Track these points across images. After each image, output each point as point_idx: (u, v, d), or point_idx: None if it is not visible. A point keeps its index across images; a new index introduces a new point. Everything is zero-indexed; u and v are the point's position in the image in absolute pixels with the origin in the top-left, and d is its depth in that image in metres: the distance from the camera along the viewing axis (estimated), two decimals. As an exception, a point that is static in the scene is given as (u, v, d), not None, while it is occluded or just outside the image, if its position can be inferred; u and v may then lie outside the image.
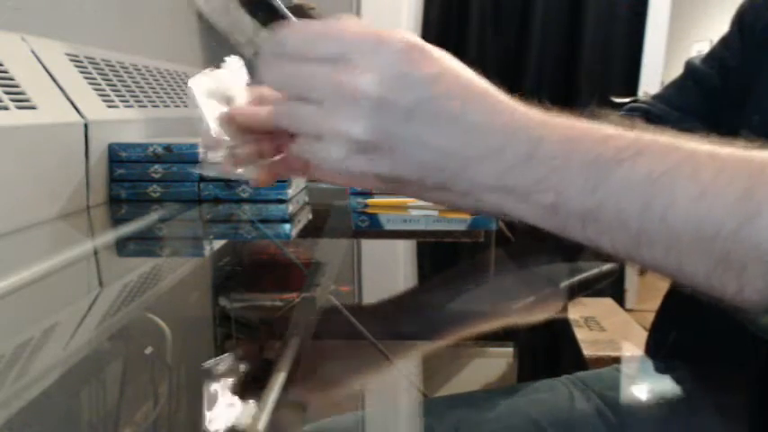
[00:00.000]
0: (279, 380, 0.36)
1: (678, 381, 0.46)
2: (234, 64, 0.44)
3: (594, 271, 0.59)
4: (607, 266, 0.63)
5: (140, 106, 1.04)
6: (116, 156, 0.87)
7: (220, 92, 0.43)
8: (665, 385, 0.46)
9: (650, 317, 0.54)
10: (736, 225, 0.29)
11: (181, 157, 0.88)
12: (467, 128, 0.36)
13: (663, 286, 0.59)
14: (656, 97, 0.72)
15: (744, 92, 0.64)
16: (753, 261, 0.29)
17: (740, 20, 0.67)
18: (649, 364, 0.47)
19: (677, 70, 0.74)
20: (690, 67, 0.71)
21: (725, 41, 0.68)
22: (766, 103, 0.60)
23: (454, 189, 0.37)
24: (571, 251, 0.72)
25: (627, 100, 0.75)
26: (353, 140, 0.36)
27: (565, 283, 0.55)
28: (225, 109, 0.42)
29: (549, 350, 0.47)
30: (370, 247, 0.74)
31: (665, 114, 0.69)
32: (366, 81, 0.35)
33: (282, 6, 0.40)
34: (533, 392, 0.43)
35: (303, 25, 0.39)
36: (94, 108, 0.88)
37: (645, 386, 0.45)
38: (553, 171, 0.34)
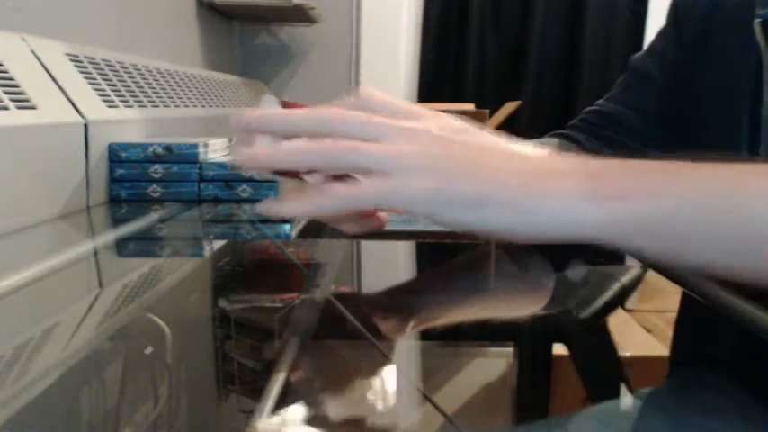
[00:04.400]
0: (279, 380, 0.36)
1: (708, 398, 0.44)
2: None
3: (618, 284, 0.58)
4: (630, 274, 0.62)
5: (140, 106, 1.04)
6: (116, 156, 0.87)
7: None
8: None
9: (650, 317, 0.54)
10: None
11: (181, 157, 0.88)
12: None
13: (663, 287, 0.59)
14: (609, 98, 0.73)
15: (683, 84, 0.65)
16: None
17: (675, 12, 0.67)
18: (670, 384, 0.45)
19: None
20: (632, 63, 0.72)
21: (662, 35, 0.69)
22: (712, 96, 0.60)
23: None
24: (568, 254, 0.72)
25: None
26: (420, 159, 0.35)
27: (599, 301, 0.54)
28: None
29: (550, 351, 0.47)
30: (370, 247, 0.74)
31: (617, 113, 0.70)
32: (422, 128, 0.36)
33: None
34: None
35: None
36: (94, 108, 0.88)
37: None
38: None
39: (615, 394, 0.41)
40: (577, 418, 0.38)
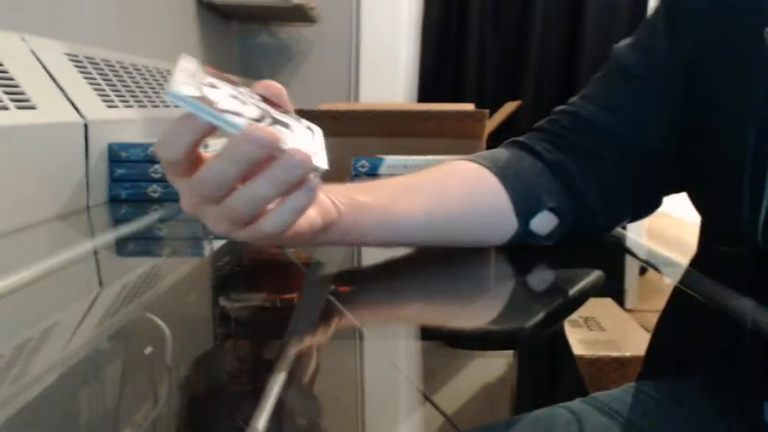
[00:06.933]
0: (279, 380, 0.35)
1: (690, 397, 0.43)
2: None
3: (582, 283, 0.58)
4: (591, 276, 0.62)
5: (140, 106, 1.04)
6: (116, 156, 0.87)
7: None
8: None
9: (650, 317, 0.54)
10: None
11: (180, 157, 0.87)
12: None
13: (664, 287, 0.59)
14: (585, 96, 0.65)
15: (673, 81, 0.61)
16: None
17: (670, 13, 0.62)
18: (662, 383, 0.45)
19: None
20: (616, 58, 0.65)
21: (652, 31, 0.63)
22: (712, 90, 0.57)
23: None
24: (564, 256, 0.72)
25: None
26: None
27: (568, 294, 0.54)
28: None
29: (549, 352, 0.47)
30: (369, 247, 0.74)
31: (594, 117, 0.63)
32: None
33: None
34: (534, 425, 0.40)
35: None
36: (94, 108, 0.88)
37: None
38: None
39: (571, 398, 0.40)
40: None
